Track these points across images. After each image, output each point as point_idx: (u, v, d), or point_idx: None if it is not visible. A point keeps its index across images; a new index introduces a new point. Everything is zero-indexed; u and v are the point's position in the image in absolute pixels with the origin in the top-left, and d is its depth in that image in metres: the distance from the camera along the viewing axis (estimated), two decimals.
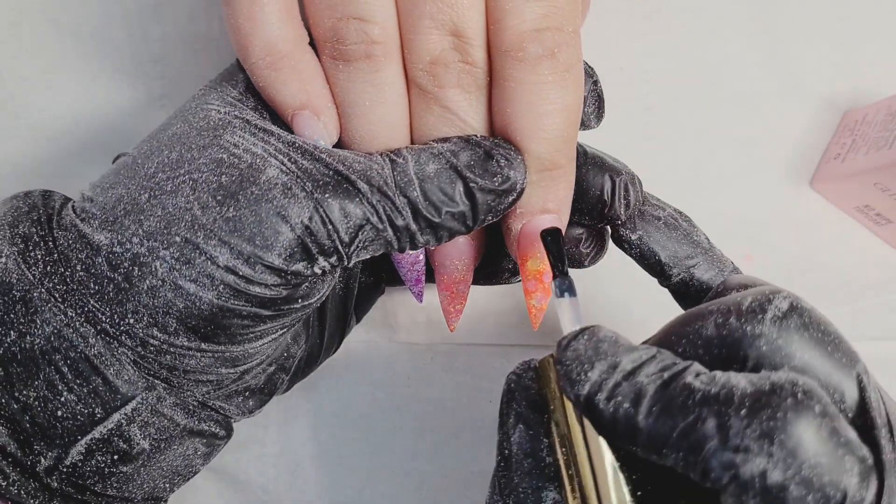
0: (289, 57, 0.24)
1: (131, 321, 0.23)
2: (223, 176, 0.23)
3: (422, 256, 0.29)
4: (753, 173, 0.39)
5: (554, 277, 0.25)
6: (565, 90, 0.24)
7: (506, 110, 0.24)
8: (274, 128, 0.25)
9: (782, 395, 0.19)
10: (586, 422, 0.22)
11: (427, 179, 0.24)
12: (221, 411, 0.27)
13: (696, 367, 0.21)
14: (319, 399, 0.38)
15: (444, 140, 0.25)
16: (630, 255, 0.29)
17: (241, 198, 0.23)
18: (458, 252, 0.28)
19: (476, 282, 0.30)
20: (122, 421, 0.24)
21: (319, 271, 0.24)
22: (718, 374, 0.20)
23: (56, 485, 0.24)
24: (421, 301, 0.30)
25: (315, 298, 0.26)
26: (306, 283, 0.24)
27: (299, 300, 0.25)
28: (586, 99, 0.27)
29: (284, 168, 0.23)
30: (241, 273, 0.23)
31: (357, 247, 0.24)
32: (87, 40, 0.37)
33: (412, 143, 0.26)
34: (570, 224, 0.28)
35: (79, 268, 0.23)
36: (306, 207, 0.23)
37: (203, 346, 0.24)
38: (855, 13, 0.38)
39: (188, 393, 0.26)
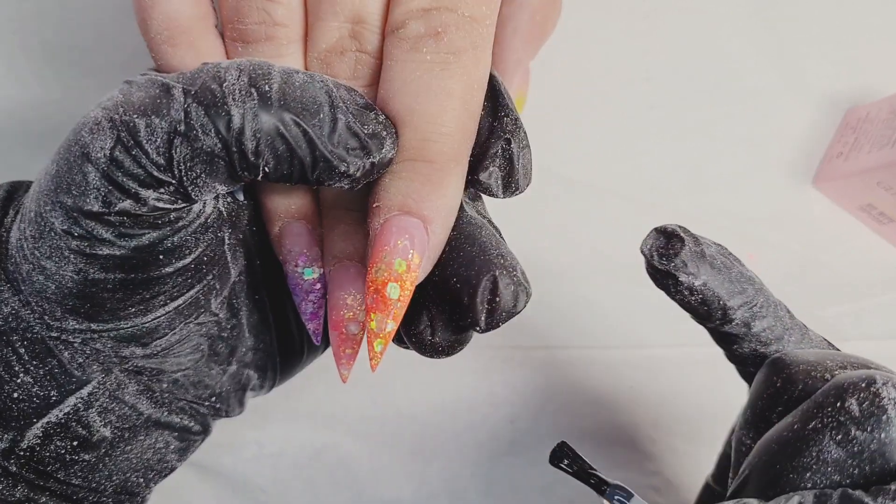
0: (188, 33, 0.23)
1: (27, 314, 0.22)
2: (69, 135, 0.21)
3: (319, 285, 0.25)
4: (755, 172, 0.38)
5: (600, 492, 0.23)
6: (447, 74, 0.21)
7: (380, 91, 0.22)
8: None
9: None
10: None
11: (291, 84, 0.20)
12: (189, 406, 0.27)
13: (848, 492, 0.20)
14: (318, 400, 0.37)
15: None
16: (683, 303, 0.24)
17: (62, 150, 0.21)
18: (351, 280, 0.24)
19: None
20: (79, 405, 0.23)
21: (158, 204, 0.21)
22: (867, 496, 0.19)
23: (15, 469, 0.24)
24: (318, 342, 0.25)
25: (189, 259, 0.23)
26: (157, 233, 0.21)
27: (161, 257, 0.22)
28: (493, 158, 0.22)
29: (104, 105, 0.21)
30: (76, 233, 0.21)
31: (181, 169, 0.20)
32: (84, 39, 0.37)
33: None
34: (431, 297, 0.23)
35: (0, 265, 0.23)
36: (109, 137, 0.20)
37: (93, 326, 0.23)
38: (857, 11, 0.38)
39: (153, 382, 0.25)
